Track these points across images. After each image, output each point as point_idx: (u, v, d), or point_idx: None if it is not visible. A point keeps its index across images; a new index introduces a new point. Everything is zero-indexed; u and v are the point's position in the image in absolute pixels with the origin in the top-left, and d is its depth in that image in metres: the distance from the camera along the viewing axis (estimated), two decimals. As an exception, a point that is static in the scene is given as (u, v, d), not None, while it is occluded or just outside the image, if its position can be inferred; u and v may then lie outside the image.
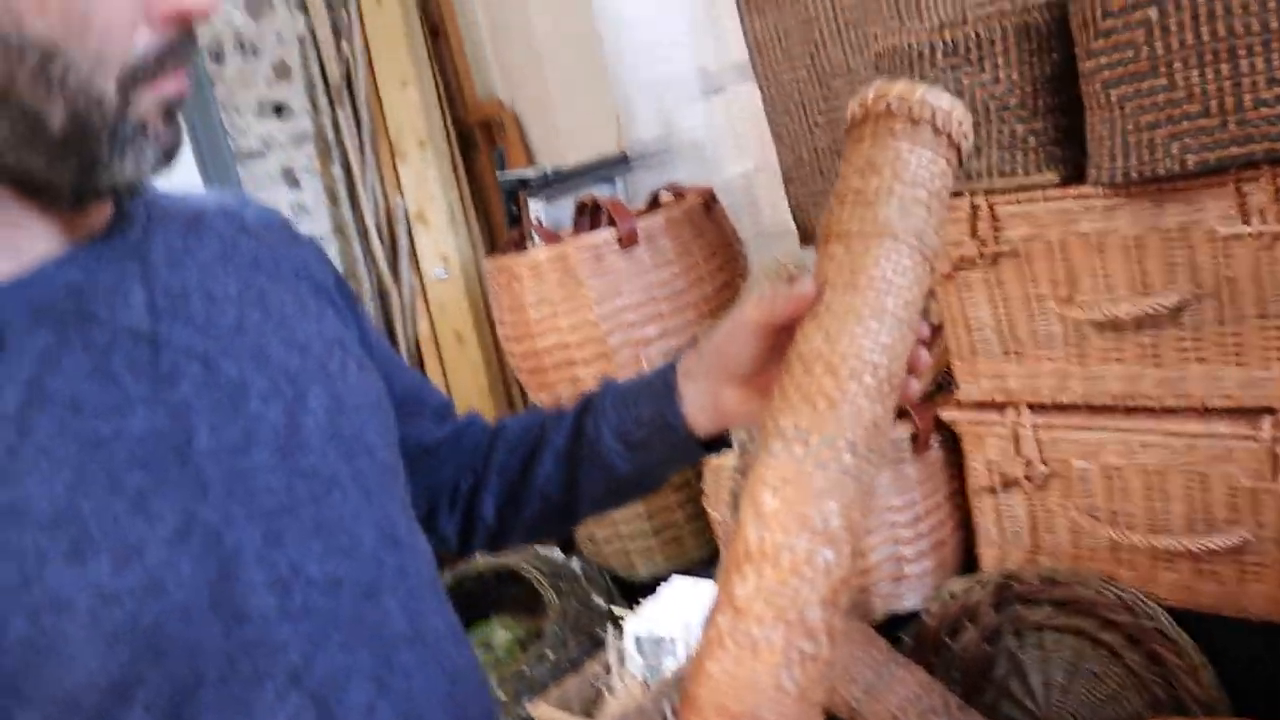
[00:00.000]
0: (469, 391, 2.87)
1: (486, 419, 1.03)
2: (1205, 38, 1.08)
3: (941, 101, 0.74)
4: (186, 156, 2.57)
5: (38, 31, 0.59)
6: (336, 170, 2.88)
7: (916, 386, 0.78)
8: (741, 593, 0.65)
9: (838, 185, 0.77)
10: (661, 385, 0.88)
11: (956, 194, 1.35)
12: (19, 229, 0.66)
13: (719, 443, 0.91)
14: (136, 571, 0.63)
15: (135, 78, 0.63)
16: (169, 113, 0.66)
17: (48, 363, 0.64)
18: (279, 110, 2.82)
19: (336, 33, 2.82)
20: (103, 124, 0.62)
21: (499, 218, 2.97)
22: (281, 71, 2.81)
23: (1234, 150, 1.10)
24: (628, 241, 1.71)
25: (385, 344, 0.94)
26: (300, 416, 0.74)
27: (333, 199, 2.91)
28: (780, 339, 0.77)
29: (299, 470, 0.72)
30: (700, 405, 0.86)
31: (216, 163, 2.66)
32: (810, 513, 0.66)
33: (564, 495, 0.95)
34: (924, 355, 0.77)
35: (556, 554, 2.03)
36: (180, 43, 0.64)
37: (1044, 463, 1.42)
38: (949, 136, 0.75)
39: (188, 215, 0.79)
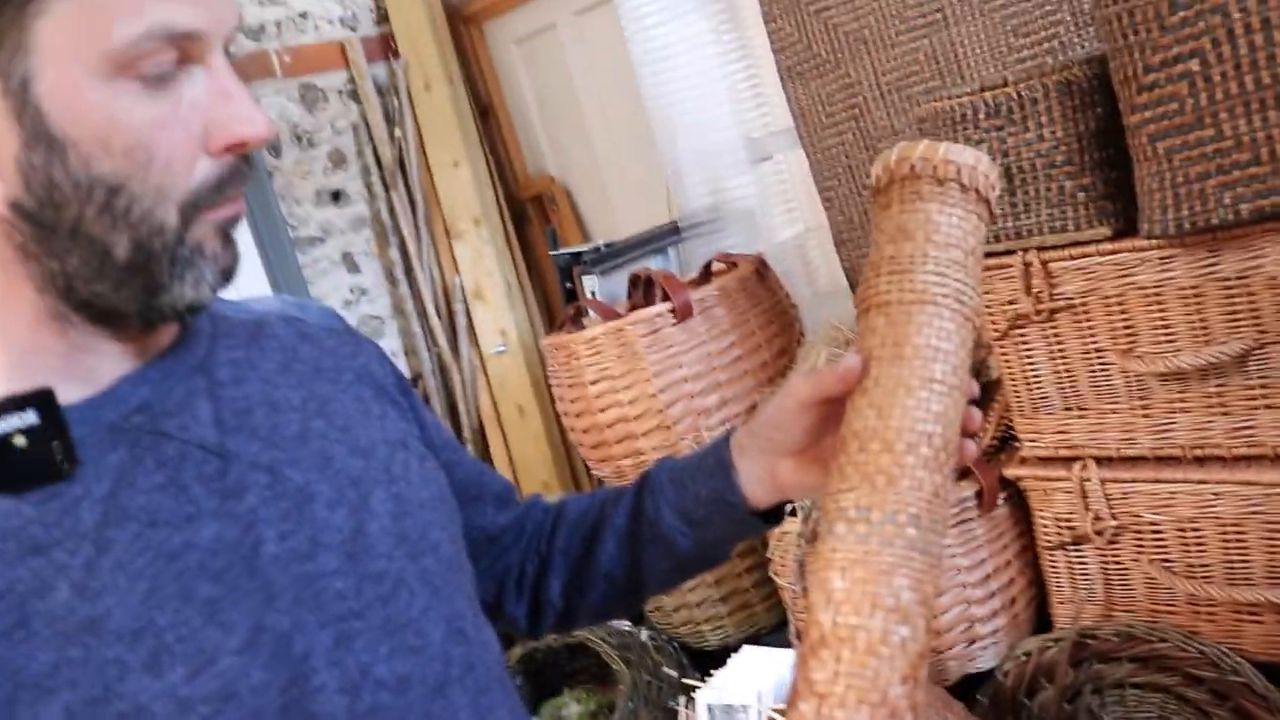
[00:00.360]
0: (533, 463, 2.89)
1: (548, 501, 1.04)
2: (1249, 86, 1.08)
3: (966, 158, 0.75)
4: (248, 247, 2.64)
5: (104, 171, 0.63)
6: (394, 252, 2.94)
7: (973, 448, 0.78)
8: (821, 678, 0.64)
9: (872, 254, 0.77)
10: (716, 461, 0.88)
11: (1008, 252, 1.35)
12: (92, 353, 0.69)
13: (778, 515, 0.91)
14: (211, 680, 0.64)
15: (196, 205, 0.66)
16: (225, 234, 0.69)
17: (123, 479, 0.67)
18: (336, 197, 2.89)
19: (389, 119, 2.90)
20: (163, 250, 0.65)
21: (554, 289, 3.00)
22: (337, 160, 2.89)
23: (1288, 197, 1.09)
24: (683, 314, 1.73)
25: (447, 434, 0.95)
26: (365, 520, 0.75)
27: (391, 280, 2.97)
28: (831, 411, 0.78)
29: (366, 573, 0.73)
30: (757, 479, 0.86)
31: (277, 251, 2.73)
32: (881, 591, 0.65)
33: (628, 575, 0.95)
34: (976, 415, 0.77)
35: (625, 625, 2.03)
36: (237, 170, 0.67)
37: (1113, 517, 1.40)
38: (977, 191, 0.75)
39: (250, 325, 0.81)
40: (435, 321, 2.91)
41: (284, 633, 0.68)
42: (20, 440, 0.63)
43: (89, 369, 0.69)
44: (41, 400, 0.65)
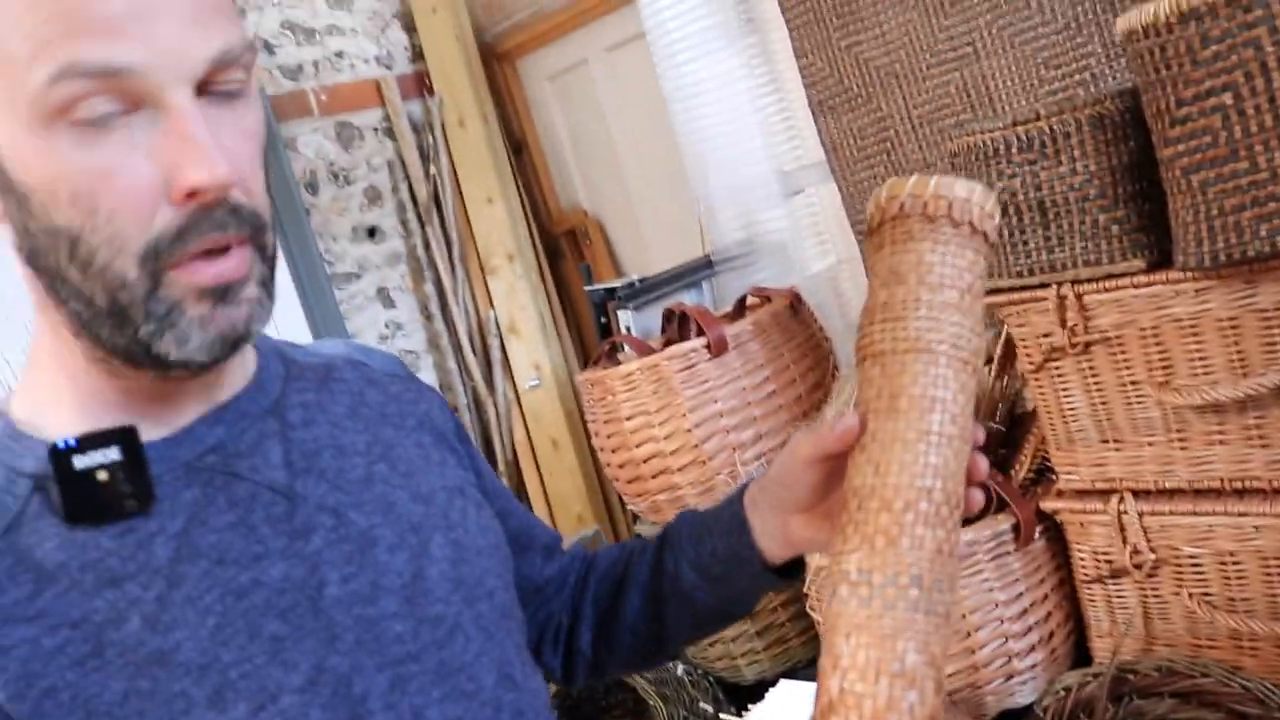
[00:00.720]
0: (567, 496, 2.90)
1: (588, 552, 1.05)
2: (1284, 119, 1.08)
3: (956, 191, 0.72)
4: (285, 283, 2.67)
5: (59, 221, 0.62)
6: (429, 287, 2.97)
7: (979, 496, 0.76)
8: None
9: (867, 299, 0.75)
10: (731, 517, 0.88)
11: (1042, 285, 1.35)
12: (164, 399, 0.72)
13: (798, 569, 0.90)
14: (272, 717, 0.66)
15: (154, 256, 0.63)
16: (218, 296, 0.66)
17: (195, 517, 0.69)
18: (372, 233, 2.92)
19: (424, 156, 2.93)
20: (131, 303, 0.64)
21: (588, 322, 3.02)
22: (373, 196, 2.92)
23: (1324, 228, 1.09)
24: (718, 349, 1.74)
25: (500, 483, 0.97)
26: (425, 565, 0.77)
27: (426, 315, 2.99)
28: (837, 466, 0.77)
29: (424, 617, 0.75)
30: (770, 535, 0.86)
31: (314, 287, 2.76)
32: (886, 657, 0.65)
33: (651, 629, 0.96)
34: (981, 463, 0.75)
35: (661, 660, 2.03)
36: (203, 218, 0.63)
37: (1152, 550, 1.39)
38: (971, 225, 0.72)
39: (319, 369, 0.84)
40: (470, 356, 2.93)
41: (344, 674, 0.70)
42: (103, 475, 0.66)
43: (167, 412, 0.72)
44: (124, 437, 0.67)
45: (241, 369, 0.77)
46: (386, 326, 2.94)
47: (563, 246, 3.09)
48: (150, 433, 0.70)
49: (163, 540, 0.68)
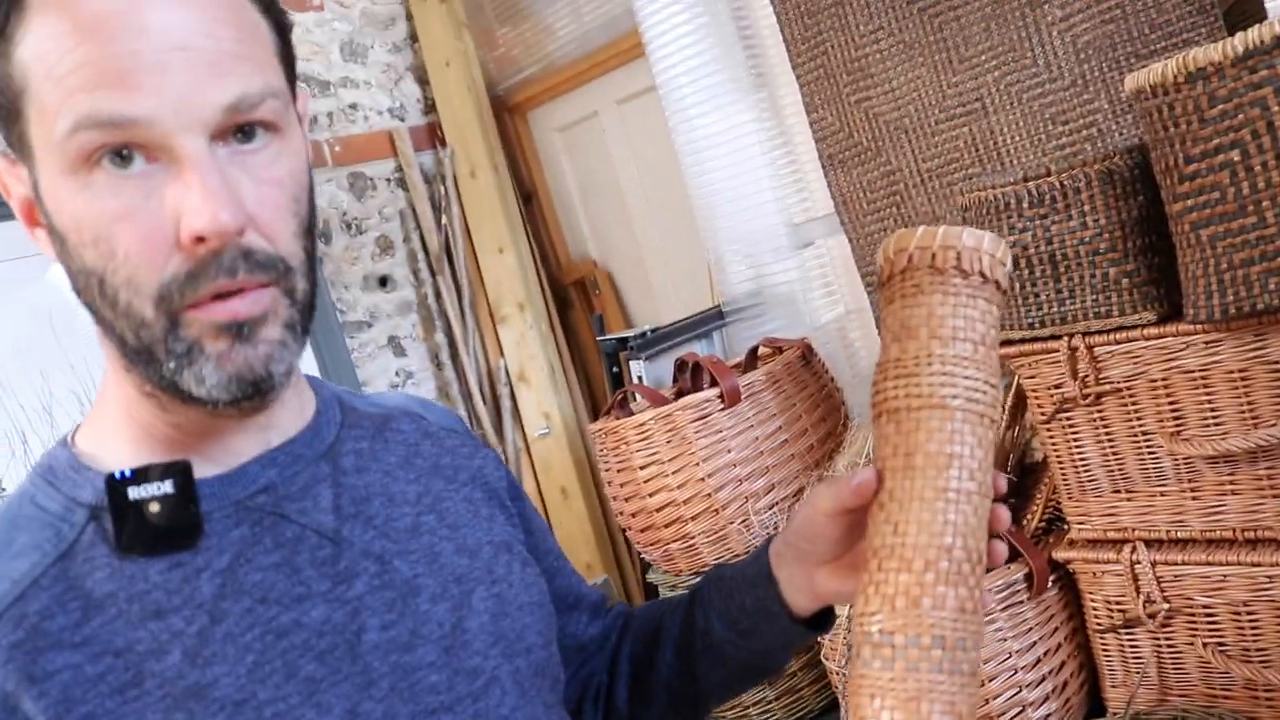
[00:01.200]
0: (576, 544, 2.90)
1: (628, 608, 1.05)
2: (1290, 176, 1.11)
3: (964, 240, 0.71)
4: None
5: (86, 262, 0.66)
6: (439, 336, 2.99)
7: (1001, 549, 0.75)
8: None
9: (880, 354, 0.74)
10: (758, 571, 0.88)
11: (1054, 337, 1.37)
12: (217, 438, 0.74)
13: (828, 620, 0.90)
14: None
15: (168, 298, 0.65)
16: (235, 334, 0.67)
17: (241, 555, 0.71)
18: (384, 282, 2.95)
19: (435, 206, 2.97)
20: (153, 342, 0.66)
21: (597, 371, 3.04)
22: (385, 246, 2.96)
23: (1331, 282, 1.11)
24: (731, 399, 1.75)
25: (552, 542, 0.98)
26: (466, 617, 0.78)
27: (437, 364, 3.02)
28: (858, 519, 0.76)
29: (461, 669, 0.76)
30: (796, 588, 0.85)
31: (326, 335, 2.79)
32: (909, 718, 0.65)
33: (685, 685, 0.95)
34: (1004, 515, 0.74)
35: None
36: (211, 262, 0.65)
37: (1165, 599, 1.40)
38: (981, 274, 0.71)
39: (377, 419, 0.86)
40: (480, 404, 2.95)
41: None
42: (154, 507, 0.68)
43: (224, 451, 0.74)
44: (178, 472, 0.69)
45: (298, 413, 0.79)
46: (397, 375, 2.96)
47: (572, 296, 3.12)
48: (204, 469, 0.72)
49: (208, 576, 0.70)
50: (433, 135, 3.03)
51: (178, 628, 0.68)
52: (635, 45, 2.62)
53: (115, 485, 0.69)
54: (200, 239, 0.64)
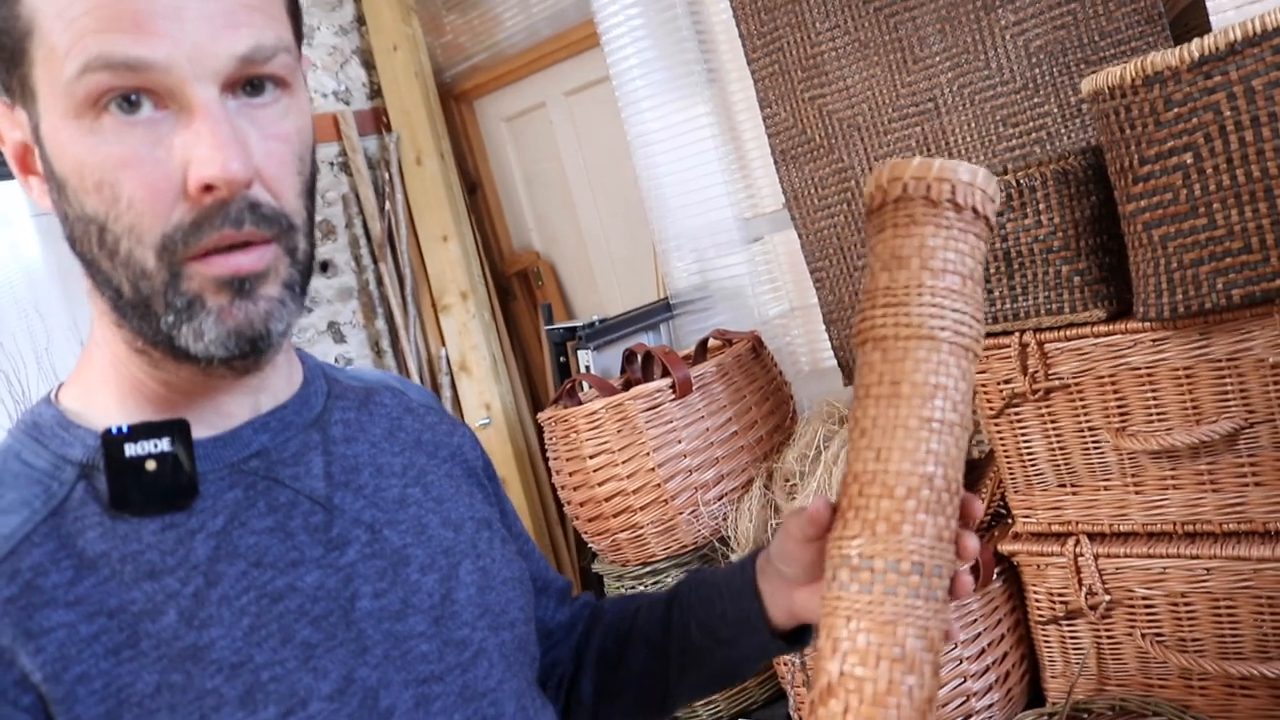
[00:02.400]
0: (514, 537, 2.89)
1: (595, 600, 1.06)
2: (1240, 179, 1.14)
3: (960, 174, 0.72)
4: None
5: (87, 208, 0.65)
6: (380, 323, 2.96)
7: (968, 581, 0.76)
8: None
9: (866, 281, 0.75)
10: (742, 583, 0.89)
11: (1005, 333, 1.40)
12: (209, 399, 0.73)
13: (804, 636, 0.90)
14: None
15: (171, 248, 0.64)
16: (235, 289, 0.66)
17: (236, 518, 0.70)
18: (325, 267, 2.92)
19: (379, 192, 2.94)
20: (152, 293, 0.65)
21: (539, 363, 3.04)
22: (326, 230, 2.92)
23: (1277, 283, 1.15)
24: (683, 390, 1.76)
25: (520, 526, 0.98)
26: (454, 589, 0.78)
27: (377, 351, 2.99)
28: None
29: (450, 640, 0.76)
30: (777, 604, 0.86)
31: (266, 321, 2.74)
32: (886, 642, 0.66)
33: (655, 685, 0.96)
34: (977, 505, 0.75)
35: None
36: (215, 212, 0.64)
37: (1106, 591, 1.44)
38: (974, 210, 0.72)
39: (360, 391, 0.85)
40: (420, 393, 2.92)
41: (372, 687, 0.71)
42: (151, 464, 0.66)
43: (218, 413, 0.73)
44: (176, 430, 0.68)
45: (288, 379, 0.79)
46: (336, 361, 2.93)
47: (514, 287, 3.11)
48: (197, 431, 0.71)
49: (203, 538, 0.69)
50: (378, 120, 3.00)
51: (173, 589, 0.67)
52: (584, 38, 2.62)
53: (111, 441, 0.67)
54: (209, 187, 0.63)
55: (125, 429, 0.68)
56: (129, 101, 0.62)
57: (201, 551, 0.68)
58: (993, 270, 1.38)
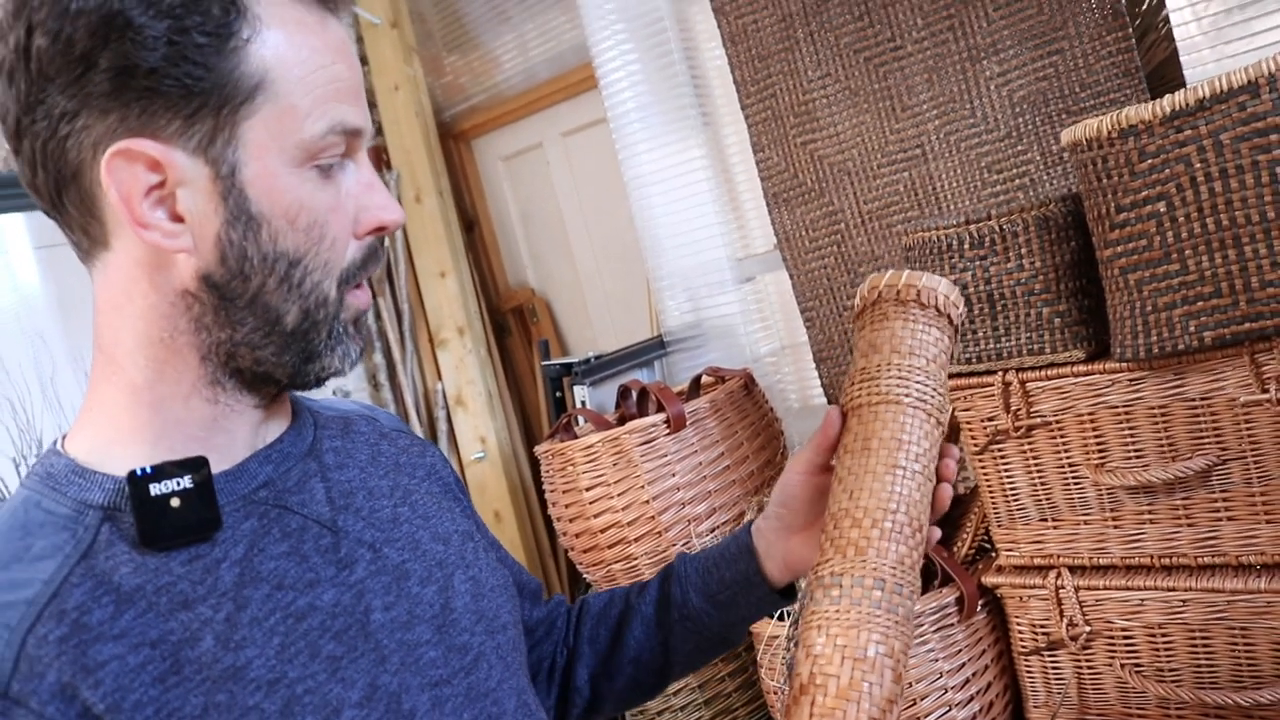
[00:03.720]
0: (507, 569, 2.92)
1: (564, 599, 1.14)
2: (1211, 227, 1.20)
3: (924, 281, 0.88)
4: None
5: (287, 246, 0.73)
6: (378, 357, 3.01)
7: (936, 533, 0.88)
8: (797, 718, 0.75)
9: (850, 369, 0.90)
10: (739, 549, 1.00)
11: (989, 372, 1.46)
12: (225, 433, 0.78)
13: (792, 592, 1.01)
14: None
15: (348, 280, 0.76)
16: (358, 321, 0.80)
17: (255, 545, 0.76)
18: (323, 303, 2.96)
19: (378, 230, 2.99)
20: (324, 320, 0.76)
21: (533, 398, 3.08)
22: (326, 267, 2.97)
23: (1247, 326, 1.21)
24: (677, 425, 1.81)
25: (492, 535, 1.04)
26: (451, 598, 0.84)
27: (374, 384, 3.03)
28: (827, 483, 0.90)
29: (453, 645, 0.82)
30: (774, 559, 0.98)
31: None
32: (850, 645, 0.76)
33: (656, 659, 1.04)
34: (946, 491, 0.89)
35: (609, 728, 2.06)
36: (375, 251, 0.78)
37: (1087, 623, 1.48)
38: (937, 309, 0.88)
39: (339, 420, 0.91)
40: (417, 427, 2.97)
41: (394, 692, 0.76)
42: (176, 501, 0.71)
43: (222, 447, 0.77)
44: (196, 468, 0.73)
45: (284, 413, 0.84)
46: (334, 394, 2.97)
47: (509, 323, 3.16)
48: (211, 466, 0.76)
49: (227, 566, 0.74)
50: (379, 158, 3.06)
51: (206, 615, 0.71)
52: (581, 80, 2.69)
53: (137, 481, 0.72)
54: (379, 230, 0.77)
55: (149, 470, 0.72)
56: (336, 157, 0.74)
57: (228, 579, 0.73)
58: (976, 311, 1.44)
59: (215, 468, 0.76)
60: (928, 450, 0.85)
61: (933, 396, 0.86)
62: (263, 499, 0.78)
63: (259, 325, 0.74)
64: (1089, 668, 1.51)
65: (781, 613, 1.55)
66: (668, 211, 2.36)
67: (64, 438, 0.79)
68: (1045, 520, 1.50)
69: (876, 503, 0.81)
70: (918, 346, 0.87)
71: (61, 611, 0.68)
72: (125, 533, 0.72)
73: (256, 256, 0.73)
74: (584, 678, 1.06)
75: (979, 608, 1.60)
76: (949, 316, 0.89)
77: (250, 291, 0.73)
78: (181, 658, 0.69)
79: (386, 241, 2.94)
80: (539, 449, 1.94)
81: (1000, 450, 1.50)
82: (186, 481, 0.73)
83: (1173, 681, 1.42)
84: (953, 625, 1.58)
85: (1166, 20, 1.67)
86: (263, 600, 0.74)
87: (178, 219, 0.72)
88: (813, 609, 0.79)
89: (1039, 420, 1.45)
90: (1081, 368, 1.39)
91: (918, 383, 0.86)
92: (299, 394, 0.91)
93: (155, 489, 0.72)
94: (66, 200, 0.73)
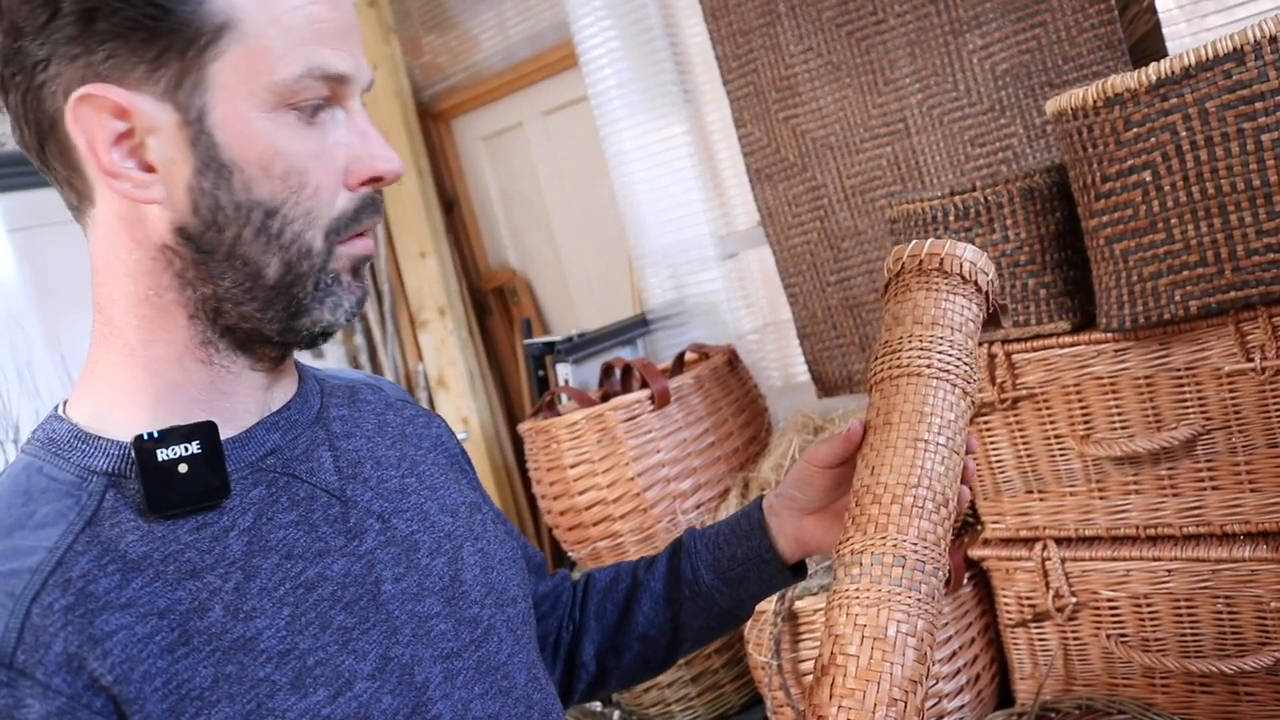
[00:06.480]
0: (491, 550, 2.92)
1: (569, 574, 1.12)
2: (1196, 196, 1.20)
3: (946, 248, 0.85)
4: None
5: (262, 194, 0.71)
6: (359, 339, 2.99)
7: (968, 494, 0.87)
8: (819, 700, 0.74)
9: (875, 344, 0.88)
10: (750, 525, 0.99)
11: (975, 343, 1.45)
12: (229, 397, 0.76)
13: (804, 569, 1.01)
14: (349, 702, 0.71)
15: (336, 231, 0.73)
16: (357, 269, 0.77)
17: (263, 514, 0.74)
18: (303, 285, 2.94)
19: (358, 210, 2.97)
20: (309, 272, 0.73)
21: (515, 379, 3.07)
22: (305, 248, 2.95)
23: (1232, 295, 1.21)
24: (661, 401, 1.80)
25: (495, 507, 1.03)
26: (460, 570, 0.83)
27: (355, 366, 3.01)
28: (844, 473, 0.89)
29: (463, 618, 0.81)
30: (786, 537, 0.97)
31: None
32: (870, 624, 0.74)
33: (665, 635, 1.03)
34: (971, 465, 0.87)
35: (596, 706, 2.06)
36: (371, 202, 0.75)
37: (1073, 594, 1.49)
38: (961, 276, 0.85)
39: (345, 389, 0.89)
40: (398, 408, 2.95)
41: (406, 663, 0.75)
42: (183, 467, 0.70)
43: (227, 413, 0.76)
44: (204, 432, 0.71)
45: (291, 380, 0.83)
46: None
47: (490, 303, 3.15)
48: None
49: (236, 534, 0.72)
50: (356, 139, 3.03)
51: (215, 585, 0.70)
52: (561, 59, 2.67)
53: (143, 446, 0.70)
54: (374, 180, 0.74)
55: (156, 434, 0.71)
56: (316, 102, 0.71)
57: (236, 548, 0.72)
58: (962, 284, 1.43)
59: (222, 434, 0.75)
60: (953, 422, 0.83)
61: (956, 366, 0.83)
62: (270, 466, 0.76)
63: (240, 279, 0.72)
64: (1075, 639, 1.52)
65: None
66: (649, 189, 2.35)
67: (65, 402, 0.78)
68: (1031, 492, 1.50)
69: (897, 478, 0.79)
70: (940, 316, 0.85)
71: (67, 580, 0.67)
72: (131, 499, 0.71)
73: (230, 205, 0.70)
74: (590, 653, 1.05)
75: (965, 581, 1.60)
76: (975, 283, 0.86)
77: (226, 243, 0.71)
78: (190, 628, 0.68)
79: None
80: (522, 427, 1.93)
81: (986, 423, 1.50)
82: (194, 447, 0.71)
83: (1158, 651, 1.43)
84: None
85: (1149, -8, 1.67)
86: (272, 570, 0.72)
87: (149, 169, 0.70)
88: (835, 588, 0.78)
89: (1025, 392, 1.45)
90: (1067, 339, 1.39)
91: (939, 353, 0.83)
92: (304, 364, 0.90)
93: (162, 454, 0.70)
94: (49, 154, 0.72)
